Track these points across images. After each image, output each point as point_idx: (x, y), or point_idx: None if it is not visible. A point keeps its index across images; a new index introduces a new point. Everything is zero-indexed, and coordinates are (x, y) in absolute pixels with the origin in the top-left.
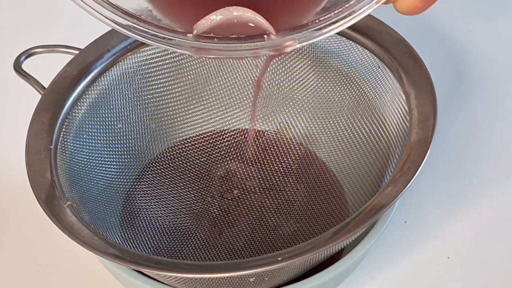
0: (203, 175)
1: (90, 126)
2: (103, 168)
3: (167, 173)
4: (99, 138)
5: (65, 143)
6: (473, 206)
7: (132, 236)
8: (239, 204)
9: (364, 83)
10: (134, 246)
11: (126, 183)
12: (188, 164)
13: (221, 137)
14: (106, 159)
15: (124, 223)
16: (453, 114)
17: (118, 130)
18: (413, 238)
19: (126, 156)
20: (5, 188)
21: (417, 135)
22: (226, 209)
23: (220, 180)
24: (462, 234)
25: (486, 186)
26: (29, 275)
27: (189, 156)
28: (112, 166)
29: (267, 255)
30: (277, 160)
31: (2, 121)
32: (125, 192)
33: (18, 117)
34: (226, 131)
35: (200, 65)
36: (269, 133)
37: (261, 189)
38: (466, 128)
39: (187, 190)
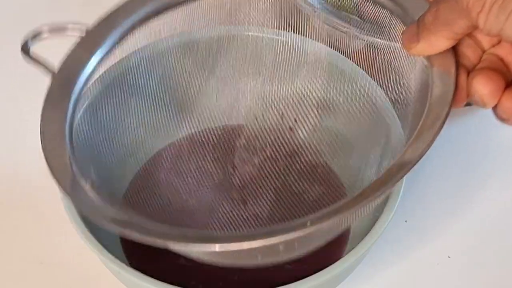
0: (222, 144)
1: (104, 105)
2: (118, 146)
3: (186, 147)
4: (114, 116)
5: (80, 125)
6: (474, 206)
7: (151, 213)
8: (261, 172)
9: (380, 41)
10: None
11: (142, 159)
12: (207, 134)
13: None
14: (121, 137)
15: (140, 199)
16: (455, 113)
17: (133, 107)
18: (413, 237)
19: (141, 132)
20: (6, 186)
21: (438, 88)
22: (248, 178)
23: (240, 149)
24: (463, 233)
25: (487, 186)
26: (31, 273)
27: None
28: (126, 144)
29: (295, 220)
30: (297, 124)
31: (3, 119)
32: (141, 168)
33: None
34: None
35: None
36: (288, 99)
37: (282, 155)
38: (467, 128)
39: (207, 161)
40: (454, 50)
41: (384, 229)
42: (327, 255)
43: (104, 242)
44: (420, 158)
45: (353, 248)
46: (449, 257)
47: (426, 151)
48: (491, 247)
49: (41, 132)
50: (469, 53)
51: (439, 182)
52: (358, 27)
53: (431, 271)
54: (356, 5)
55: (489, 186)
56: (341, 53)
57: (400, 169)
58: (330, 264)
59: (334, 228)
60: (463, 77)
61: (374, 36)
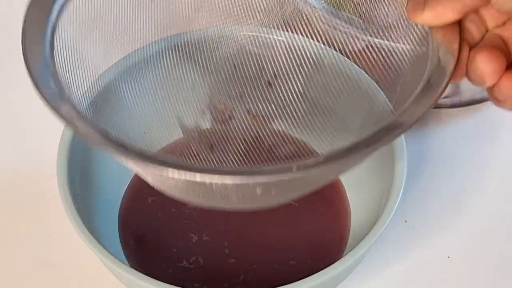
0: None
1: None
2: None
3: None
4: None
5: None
6: (474, 206)
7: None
8: (232, 121)
9: (374, 8)
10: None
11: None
12: (183, 72)
13: None
14: None
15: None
16: (455, 114)
17: None
18: (413, 237)
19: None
20: (6, 186)
21: (440, 59)
22: (219, 125)
23: (215, 93)
24: (463, 233)
25: (487, 186)
26: (30, 275)
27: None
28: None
29: (281, 164)
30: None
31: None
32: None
33: None
34: None
35: None
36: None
37: (256, 107)
38: (467, 128)
39: (179, 101)
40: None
41: (384, 229)
42: (327, 255)
43: (104, 242)
44: (416, 121)
45: (353, 248)
46: (449, 257)
47: (422, 115)
48: (491, 247)
49: (23, 31)
50: (472, 29)
51: (439, 182)
52: (358, 27)
53: (431, 271)
54: (356, 5)
55: (489, 186)
56: (341, 53)
57: (394, 129)
58: (330, 264)
59: (319, 179)
60: (465, 51)
61: (374, 36)
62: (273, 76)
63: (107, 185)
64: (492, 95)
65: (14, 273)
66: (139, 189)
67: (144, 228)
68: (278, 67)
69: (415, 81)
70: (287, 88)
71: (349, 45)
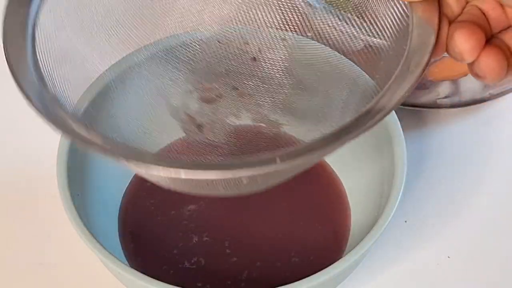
0: (182, 63)
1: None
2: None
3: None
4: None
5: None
6: (474, 206)
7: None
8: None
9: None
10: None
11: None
12: (168, 52)
13: None
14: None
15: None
16: (455, 114)
17: None
18: (413, 238)
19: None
20: (6, 187)
21: (420, 37)
22: (205, 104)
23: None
24: (463, 233)
25: (487, 186)
26: (30, 275)
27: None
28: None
29: (264, 155)
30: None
31: None
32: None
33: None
34: None
35: None
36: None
37: (242, 84)
38: (467, 128)
39: (165, 83)
40: None
41: (384, 229)
42: (327, 255)
43: (104, 242)
44: (398, 103)
45: (353, 248)
46: (449, 257)
47: (405, 98)
48: (491, 247)
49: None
50: (452, 3)
51: (439, 182)
52: (357, 27)
53: (431, 271)
54: (356, 5)
55: (488, 186)
56: (341, 53)
57: (376, 113)
58: (330, 264)
59: (301, 166)
60: (444, 27)
61: (373, 36)
62: (257, 50)
63: (107, 185)
64: (472, 71)
65: (14, 273)
66: (139, 189)
67: (144, 229)
68: (263, 43)
69: (396, 60)
70: (271, 63)
71: (347, 44)
